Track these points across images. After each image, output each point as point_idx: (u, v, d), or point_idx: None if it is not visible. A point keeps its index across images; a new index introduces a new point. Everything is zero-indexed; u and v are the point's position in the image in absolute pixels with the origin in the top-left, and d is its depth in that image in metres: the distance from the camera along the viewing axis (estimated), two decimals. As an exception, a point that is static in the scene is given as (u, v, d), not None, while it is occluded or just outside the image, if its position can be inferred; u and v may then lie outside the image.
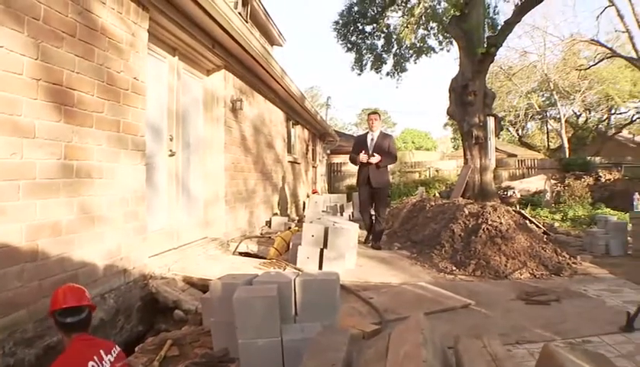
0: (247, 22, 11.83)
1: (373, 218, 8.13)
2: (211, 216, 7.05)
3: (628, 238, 7.71)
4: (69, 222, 3.66)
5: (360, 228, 7.75)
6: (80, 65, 3.75)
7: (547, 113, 40.15)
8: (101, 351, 2.58)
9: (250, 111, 8.66)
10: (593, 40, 29.99)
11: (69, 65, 3.62)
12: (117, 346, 2.69)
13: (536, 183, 17.81)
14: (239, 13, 10.46)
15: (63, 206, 3.60)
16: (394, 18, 17.36)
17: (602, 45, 30.13)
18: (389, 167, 8.26)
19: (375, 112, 8.50)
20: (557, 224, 11.55)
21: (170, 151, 5.92)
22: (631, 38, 26.87)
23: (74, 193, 3.71)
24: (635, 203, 12.15)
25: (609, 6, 26.97)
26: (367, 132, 8.14)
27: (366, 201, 8.05)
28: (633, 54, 27.35)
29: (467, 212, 7.29)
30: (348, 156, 8.53)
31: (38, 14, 3.30)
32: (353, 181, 24.48)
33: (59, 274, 3.53)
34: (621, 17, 26.92)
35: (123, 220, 4.39)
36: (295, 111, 12.79)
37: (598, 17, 30.69)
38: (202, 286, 4.79)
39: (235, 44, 6.85)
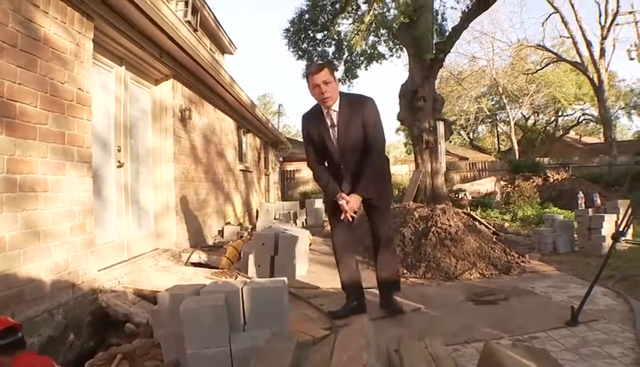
0: (196, 30, 11.76)
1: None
2: (162, 227, 6.95)
3: (575, 235, 8.00)
4: (13, 238, 3.56)
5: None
6: (22, 76, 3.66)
7: (497, 116, 41.45)
8: (53, 360, 2.59)
9: (200, 120, 8.59)
10: (539, 45, 31.20)
11: (10, 76, 3.53)
12: None
13: (487, 185, 18.19)
14: (188, 21, 10.42)
15: (7, 221, 3.49)
16: (345, 25, 17.49)
17: (548, 50, 31.39)
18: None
19: (322, 68, 4.00)
20: (507, 224, 11.85)
21: (119, 162, 5.83)
22: (575, 43, 28.20)
23: (18, 207, 3.62)
24: (579, 202, 12.56)
25: (553, 12, 28.18)
26: (318, 107, 4.17)
27: (348, 239, 4.41)
28: (577, 59, 28.54)
29: (417, 215, 7.41)
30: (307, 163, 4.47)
31: (-24, 25, 3.23)
32: (307, 188, 24.61)
33: (4, 291, 3.42)
34: (565, 23, 28.24)
35: (70, 234, 4.29)
36: (245, 119, 12.76)
37: (544, 23, 31.78)
38: (154, 298, 4.65)
39: (184, 54, 6.80)
